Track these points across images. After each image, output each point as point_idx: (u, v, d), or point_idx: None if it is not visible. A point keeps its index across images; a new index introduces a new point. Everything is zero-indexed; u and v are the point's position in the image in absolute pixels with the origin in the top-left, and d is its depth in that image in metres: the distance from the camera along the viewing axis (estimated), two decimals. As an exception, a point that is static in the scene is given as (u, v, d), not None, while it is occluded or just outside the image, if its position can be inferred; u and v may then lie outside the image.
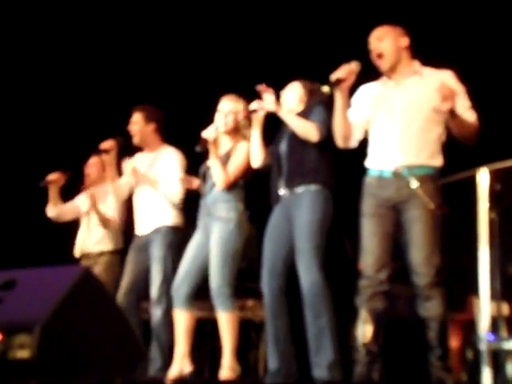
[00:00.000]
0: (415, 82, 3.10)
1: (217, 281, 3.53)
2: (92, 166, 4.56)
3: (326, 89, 3.04)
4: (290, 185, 3.35)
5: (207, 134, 3.63)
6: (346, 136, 3.15)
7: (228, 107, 3.69)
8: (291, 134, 3.42)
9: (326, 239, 3.31)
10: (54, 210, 4.51)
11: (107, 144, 4.10)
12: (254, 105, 3.44)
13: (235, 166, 3.64)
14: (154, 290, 3.95)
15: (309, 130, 3.28)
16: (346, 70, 3.02)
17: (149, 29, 5.54)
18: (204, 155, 3.72)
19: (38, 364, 2.35)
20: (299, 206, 3.32)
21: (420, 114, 3.05)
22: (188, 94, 5.38)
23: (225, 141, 3.76)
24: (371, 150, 3.17)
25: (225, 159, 3.68)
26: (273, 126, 3.56)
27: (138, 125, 4.16)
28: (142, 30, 5.55)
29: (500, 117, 4.56)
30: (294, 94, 3.52)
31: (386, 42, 3.10)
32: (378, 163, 3.12)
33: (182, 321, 3.64)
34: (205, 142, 3.63)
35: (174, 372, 3.59)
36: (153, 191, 4.07)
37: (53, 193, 4.47)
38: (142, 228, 4.11)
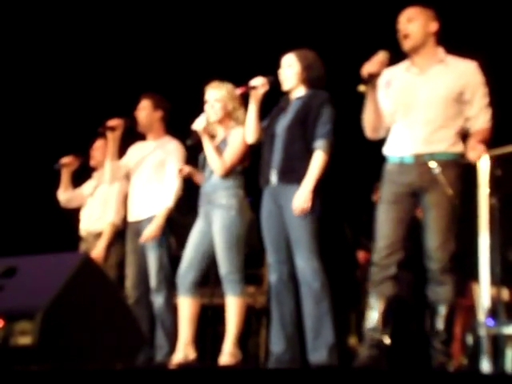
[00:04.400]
0: (439, 71, 3.07)
1: (225, 267, 3.55)
2: (97, 148, 4.54)
3: (362, 88, 2.99)
4: (281, 177, 3.35)
5: (197, 125, 3.63)
6: (376, 127, 3.13)
7: (213, 96, 3.69)
8: (292, 119, 3.40)
9: (318, 224, 3.32)
10: (65, 194, 4.49)
11: (114, 122, 4.08)
12: (255, 81, 3.42)
13: (232, 152, 3.63)
14: (153, 278, 3.97)
15: None
16: (377, 63, 2.97)
17: (145, 21, 5.53)
18: (200, 145, 3.71)
19: (40, 350, 2.36)
20: (287, 197, 3.33)
21: (443, 103, 3.03)
22: (177, 86, 5.37)
23: (219, 129, 3.75)
24: (392, 137, 3.15)
25: (223, 147, 3.67)
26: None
27: (146, 111, 4.16)
28: (140, 23, 5.54)
29: (500, 102, 4.54)
30: (292, 71, 3.45)
31: (415, 23, 3.06)
32: (398, 150, 3.10)
33: (187, 308, 3.65)
34: (195, 134, 3.63)
35: (177, 358, 3.60)
36: (149, 179, 4.07)
37: (65, 177, 4.46)
38: (134, 214, 4.11)
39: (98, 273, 2.68)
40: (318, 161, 3.31)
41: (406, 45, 3.09)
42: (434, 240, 2.98)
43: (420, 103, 3.06)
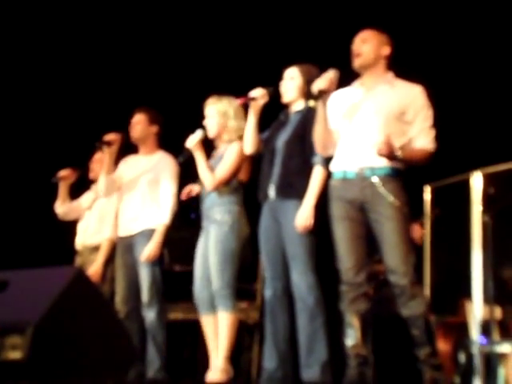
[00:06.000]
0: (384, 90, 3.14)
1: (217, 283, 3.54)
2: (97, 161, 4.51)
3: (311, 104, 3.10)
4: (279, 192, 3.36)
5: (189, 142, 3.65)
6: (326, 144, 3.19)
7: (211, 111, 3.72)
8: (291, 134, 3.41)
9: (315, 240, 3.32)
10: (62, 207, 4.46)
11: (112, 136, 4.08)
12: (254, 92, 3.43)
13: (224, 167, 3.64)
14: (145, 293, 3.95)
15: None
16: (327, 81, 3.05)
17: (143, 36, 5.57)
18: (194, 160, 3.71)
19: (30, 365, 2.34)
20: (285, 212, 3.34)
21: (384, 119, 3.08)
22: (176, 100, 5.39)
23: (219, 143, 3.76)
24: (336, 152, 3.20)
25: (218, 161, 3.68)
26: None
27: (141, 125, 4.17)
28: (138, 37, 5.57)
29: (493, 121, 4.58)
30: (293, 84, 3.47)
31: (368, 44, 3.14)
32: (341, 165, 3.15)
33: (211, 325, 3.63)
34: (187, 151, 3.65)
35: (213, 377, 3.52)
36: (142, 195, 4.07)
37: (62, 190, 4.43)
38: (126, 229, 4.10)
39: (90, 287, 2.67)
40: (317, 176, 3.31)
41: (356, 62, 3.15)
42: (395, 255, 2.98)
43: (362, 118, 3.11)
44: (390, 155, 2.97)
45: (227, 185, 3.64)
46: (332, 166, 3.18)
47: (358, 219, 3.06)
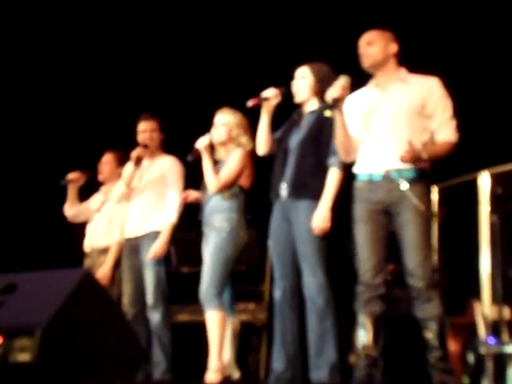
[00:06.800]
0: (400, 89, 3.13)
1: (204, 284, 3.57)
2: (105, 163, 4.55)
3: (328, 113, 3.08)
4: (292, 192, 3.36)
5: (199, 143, 3.68)
6: (348, 150, 3.17)
7: (221, 120, 3.74)
8: (306, 134, 3.40)
9: (326, 241, 3.31)
10: (72, 209, 4.50)
11: (138, 152, 4.10)
12: (267, 92, 3.43)
13: (227, 171, 3.67)
14: (150, 295, 3.97)
15: None
16: (339, 88, 3.04)
17: (151, 42, 5.59)
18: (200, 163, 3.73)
19: (39, 367, 2.35)
20: (297, 212, 3.33)
21: (405, 117, 3.07)
22: (188, 105, 5.40)
23: (222, 152, 3.78)
24: (360, 155, 3.19)
25: (221, 167, 3.71)
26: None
27: (156, 133, 4.21)
28: (145, 43, 5.60)
29: (501, 121, 4.57)
30: (305, 83, 3.46)
31: (374, 47, 3.13)
32: (366, 167, 3.14)
33: (228, 328, 3.67)
34: (196, 151, 3.68)
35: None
36: (148, 196, 4.10)
37: (71, 192, 4.47)
38: (132, 230, 4.12)
39: (99, 289, 2.68)
40: (333, 178, 3.30)
41: (365, 63, 3.14)
42: (414, 258, 2.99)
43: (383, 120, 3.10)
44: (415, 159, 2.97)
45: (228, 189, 3.65)
46: (356, 169, 3.17)
47: (380, 222, 3.06)
